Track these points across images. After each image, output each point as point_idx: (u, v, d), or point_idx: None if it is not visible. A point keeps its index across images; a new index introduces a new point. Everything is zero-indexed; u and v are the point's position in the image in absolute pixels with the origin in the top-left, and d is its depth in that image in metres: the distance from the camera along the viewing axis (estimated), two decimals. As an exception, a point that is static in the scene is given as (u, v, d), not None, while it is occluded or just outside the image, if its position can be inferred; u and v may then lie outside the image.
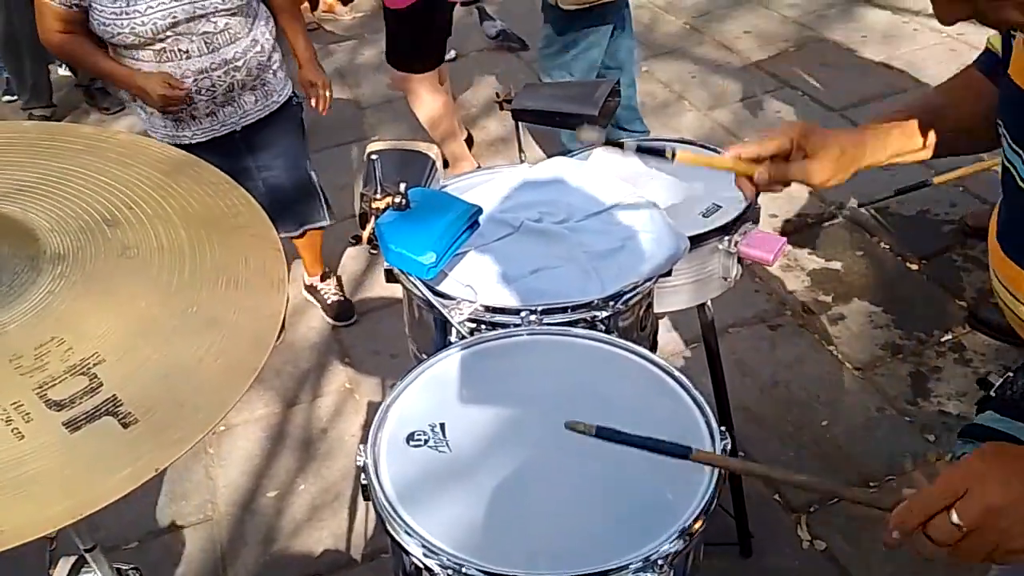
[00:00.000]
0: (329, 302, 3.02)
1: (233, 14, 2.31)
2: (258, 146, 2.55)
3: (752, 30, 4.54)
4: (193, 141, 2.44)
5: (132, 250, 0.98)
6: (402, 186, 1.34)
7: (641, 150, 1.25)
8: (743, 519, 2.04)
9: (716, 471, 1.09)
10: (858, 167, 1.17)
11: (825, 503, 2.18)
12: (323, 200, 2.78)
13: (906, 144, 1.18)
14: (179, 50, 2.27)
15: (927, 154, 1.20)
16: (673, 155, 1.18)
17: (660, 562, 1.01)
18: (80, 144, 1.11)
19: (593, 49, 3.07)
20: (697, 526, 1.04)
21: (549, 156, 1.88)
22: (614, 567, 1.00)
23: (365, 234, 1.37)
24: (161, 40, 2.24)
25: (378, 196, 1.34)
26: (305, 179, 2.69)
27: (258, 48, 2.41)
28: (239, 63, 2.37)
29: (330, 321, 3.01)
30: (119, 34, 2.22)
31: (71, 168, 1.04)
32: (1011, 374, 1.10)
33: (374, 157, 1.38)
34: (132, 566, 1.16)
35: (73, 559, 1.15)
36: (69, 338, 0.88)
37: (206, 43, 2.29)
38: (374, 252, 1.31)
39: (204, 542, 2.30)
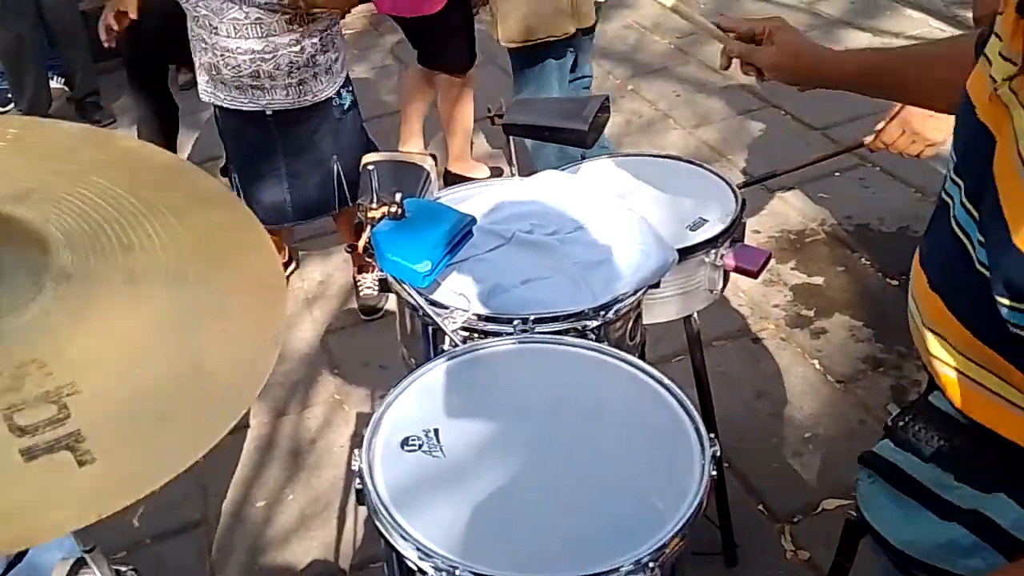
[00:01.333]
0: (361, 294, 3.11)
1: (268, 11, 2.37)
2: (289, 135, 2.62)
3: (736, 50, 4.61)
4: (225, 104, 2.58)
5: (139, 277, 0.94)
6: (398, 196, 1.37)
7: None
8: (728, 529, 2.07)
9: (705, 479, 1.12)
10: (812, 79, 1.34)
11: (809, 513, 2.22)
12: (338, 194, 2.80)
13: (862, 81, 1.30)
14: (210, 25, 2.40)
15: (892, 95, 1.33)
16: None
17: (652, 564, 1.03)
18: (119, 157, 1.09)
19: (548, 86, 2.98)
20: (687, 530, 1.07)
21: (539, 170, 1.91)
22: (605, 570, 1.01)
23: (361, 243, 1.39)
24: (195, 8, 2.39)
25: (374, 206, 1.37)
26: (328, 178, 2.73)
27: (296, 49, 2.45)
28: (268, 56, 2.43)
29: (362, 316, 3.10)
30: None
31: (105, 183, 1.01)
32: (910, 406, 1.10)
33: (370, 168, 1.41)
34: (131, 567, 1.18)
35: (72, 560, 1.16)
36: (51, 362, 0.84)
37: (234, 28, 2.39)
38: (369, 260, 1.34)
39: (193, 551, 2.30)
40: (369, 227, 1.37)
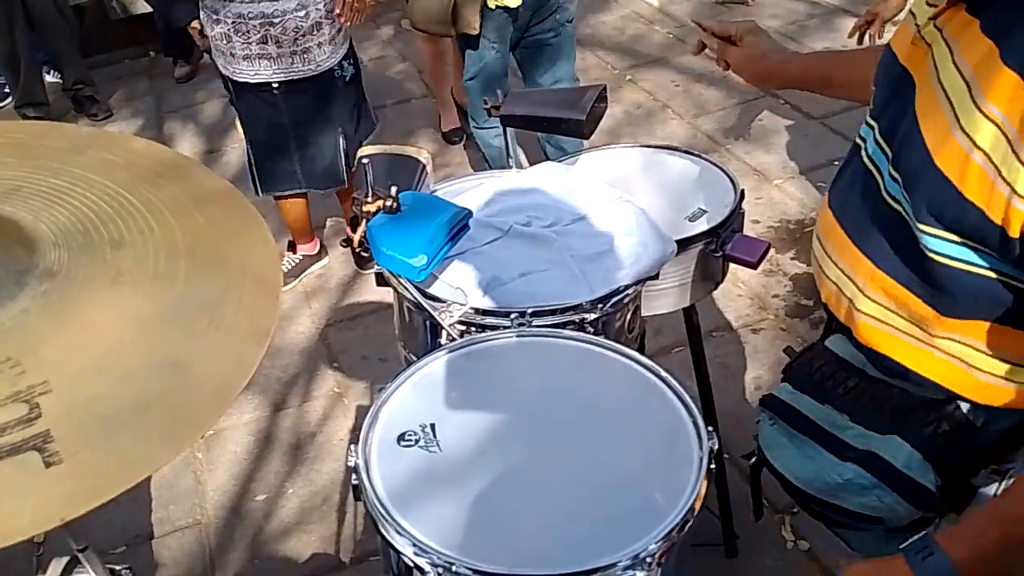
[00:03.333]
0: (359, 251, 3.21)
1: None
2: (295, 108, 2.73)
3: (735, 39, 4.58)
4: (235, 78, 2.69)
5: (125, 276, 0.92)
6: (393, 189, 1.36)
7: None
8: (728, 520, 2.06)
9: (703, 473, 1.11)
10: (768, 81, 1.54)
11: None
12: (343, 165, 2.92)
13: (801, 82, 1.47)
14: None
15: (831, 93, 1.44)
16: None
17: (649, 560, 1.02)
18: (119, 157, 1.07)
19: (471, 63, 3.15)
20: (685, 524, 1.06)
21: (536, 162, 1.90)
22: (603, 565, 1.01)
23: (356, 237, 1.38)
24: None
25: (369, 199, 1.35)
26: (332, 146, 2.85)
27: (302, 14, 2.58)
28: (275, 20, 2.55)
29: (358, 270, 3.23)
30: None
31: (104, 182, 1.00)
32: (807, 349, 1.16)
33: (365, 161, 1.40)
34: (125, 566, 1.17)
35: (65, 560, 1.15)
36: (25, 361, 0.82)
37: None
38: (365, 255, 1.33)
39: (193, 546, 2.30)
40: (364, 221, 1.35)
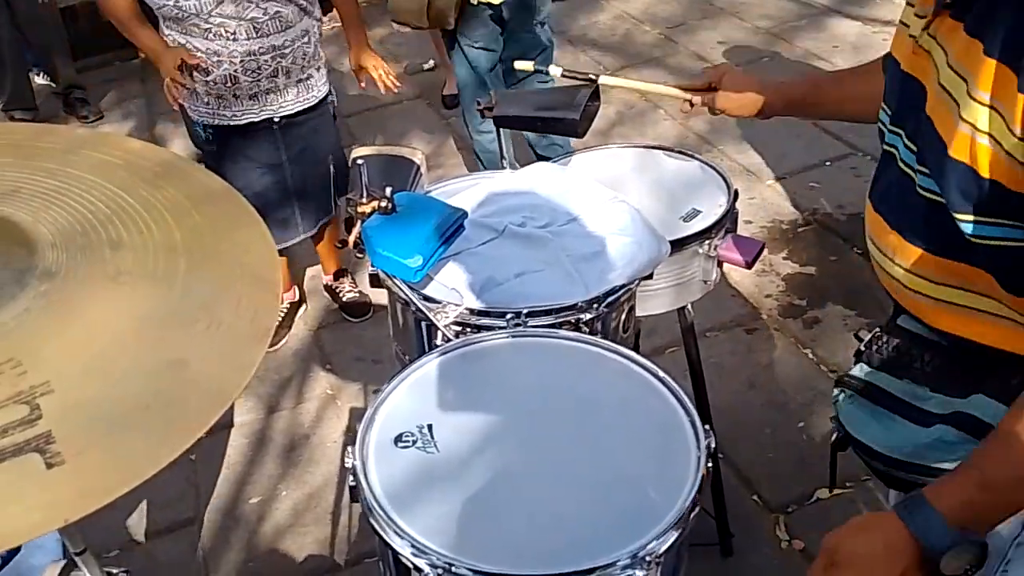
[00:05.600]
0: (345, 299, 3.07)
1: (285, 2, 2.39)
2: (293, 142, 2.62)
3: (725, 40, 4.60)
4: (232, 123, 2.53)
5: (125, 275, 0.92)
6: (388, 190, 1.36)
7: (566, 75, 1.68)
8: (723, 519, 2.07)
9: (700, 471, 1.11)
10: (757, 114, 1.54)
11: (803, 503, 2.22)
12: (334, 191, 2.81)
13: (792, 110, 1.54)
14: (226, 31, 2.36)
15: (816, 115, 1.53)
16: (596, 79, 1.62)
17: (647, 558, 1.03)
18: (116, 158, 1.06)
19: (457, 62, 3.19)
20: (685, 522, 1.07)
21: (530, 162, 1.90)
22: (602, 564, 1.01)
23: (351, 238, 1.38)
24: (208, 19, 2.33)
25: (364, 200, 1.36)
26: (324, 177, 2.74)
27: (306, 40, 2.49)
28: (286, 51, 2.45)
29: (347, 318, 3.06)
30: (164, 6, 2.32)
31: (102, 183, 0.99)
32: (879, 330, 1.18)
33: (360, 162, 1.40)
34: (123, 569, 1.16)
35: (62, 563, 1.14)
36: (26, 361, 0.81)
37: (254, 28, 2.38)
38: (360, 256, 1.33)
39: (186, 549, 2.29)
40: (359, 222, 1.35)
